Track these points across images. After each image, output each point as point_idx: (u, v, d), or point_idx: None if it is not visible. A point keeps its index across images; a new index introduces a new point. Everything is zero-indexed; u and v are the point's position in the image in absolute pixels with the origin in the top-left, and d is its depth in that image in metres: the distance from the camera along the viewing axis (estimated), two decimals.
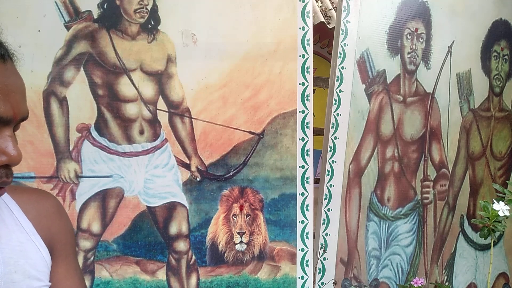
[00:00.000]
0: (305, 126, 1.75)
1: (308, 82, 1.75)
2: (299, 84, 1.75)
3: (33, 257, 0.85)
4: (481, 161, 2.23)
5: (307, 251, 1.77)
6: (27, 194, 0.90)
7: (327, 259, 1.87)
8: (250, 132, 1.72)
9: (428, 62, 2.05)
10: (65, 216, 0.95)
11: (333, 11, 3.62)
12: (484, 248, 2.23)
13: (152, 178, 1.63)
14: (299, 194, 1.75)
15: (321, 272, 1.86)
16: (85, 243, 1.58)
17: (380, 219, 2.00)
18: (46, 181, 1.55)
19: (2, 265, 0.80)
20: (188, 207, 1.67)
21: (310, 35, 1.75)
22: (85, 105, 1.57)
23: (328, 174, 1.86)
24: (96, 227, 1.59)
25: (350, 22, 1.85)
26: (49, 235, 0.89)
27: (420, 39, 2.02)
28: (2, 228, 0.83)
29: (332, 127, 1.86)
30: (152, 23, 1.62)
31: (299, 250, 1.76)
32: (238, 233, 1.71)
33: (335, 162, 1.87)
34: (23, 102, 0.77)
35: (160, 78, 1.63)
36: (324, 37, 4.19)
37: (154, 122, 1.63)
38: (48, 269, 0.87)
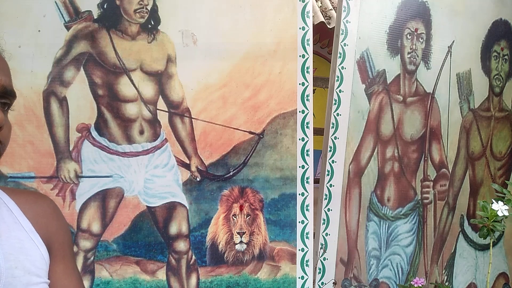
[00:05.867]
0: (305, 126, 1.75)
1: (308, 82, 1.75)
2: (299, 84, 1.75)
3: (33, 254, 0.87)
4: (481, 161, 2.23)
5: (307, 251, 1.77)
6: (25, 195, 0.94)
7: (327, 259, 1.87)
8: (250, 132, 1.72)
9: (428, 62, 2.05)
10: (62, 217, 0.98)
11: (333, 11, 3.63)
12: (484, 248, 2.23)
13: (152, 178, 1.63)
14: (299, 194, 1.75)
15: (321, 272, 1.86)
16: (85, 243, 1.58)
17: (380, 219, 1.99)
18: (46, 181, 1.55)
19: (3, 261, 0.81)
20: (188, 207, 1.67)
21: (310, 35, 1.75)
22: (85, 105, 1.57)
23: (328, 174, 1.86)
24: (96, 227, 1.59)
25: (350, 22, 1.85)
26: (47, 234, 0.91)
27: (420, 39, 2.02)
28: (1, 226, 0.85)
29: (332, 127, 1.86)
30: (152, 23, 1.62)
31: (299, 250, 1.76)
32: (238, 233, 1.71)
33: (335, 162, 1.87)
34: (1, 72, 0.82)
35: (160, 78, 1.63)
36: (324, 37, 4.20)
37: (154, 122, 1.63)
38: (46, 267, 0.89)
